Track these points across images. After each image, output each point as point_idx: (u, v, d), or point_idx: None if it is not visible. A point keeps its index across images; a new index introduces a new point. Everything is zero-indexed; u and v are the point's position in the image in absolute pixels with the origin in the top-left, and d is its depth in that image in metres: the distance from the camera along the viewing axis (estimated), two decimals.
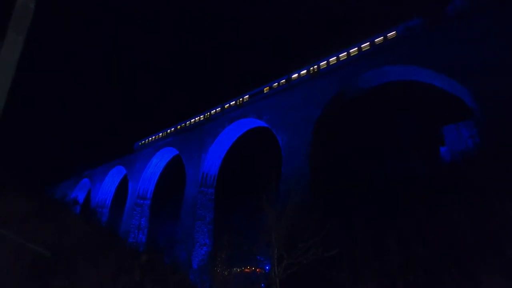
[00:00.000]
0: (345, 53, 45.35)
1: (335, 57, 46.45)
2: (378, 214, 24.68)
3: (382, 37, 42.11)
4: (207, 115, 63.83)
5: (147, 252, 31.87)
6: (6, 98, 3.05)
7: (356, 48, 44.30)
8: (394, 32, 41.01)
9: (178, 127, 69.38)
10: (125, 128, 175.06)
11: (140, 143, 78.47)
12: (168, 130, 71.54)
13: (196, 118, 66.08)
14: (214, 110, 62.82)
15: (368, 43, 43.27)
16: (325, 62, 47.50)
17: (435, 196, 21.25)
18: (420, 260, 18.84)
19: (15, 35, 3.21)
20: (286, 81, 51.90)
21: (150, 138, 75.32)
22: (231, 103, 59.70)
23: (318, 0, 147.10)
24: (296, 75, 50.72)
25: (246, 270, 46.94)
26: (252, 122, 56.96)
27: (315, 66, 48.57)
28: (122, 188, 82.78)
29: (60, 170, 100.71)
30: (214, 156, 60.59)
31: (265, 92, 54.44)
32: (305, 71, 49.73)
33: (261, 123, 54.80)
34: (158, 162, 73.37)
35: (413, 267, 18.77)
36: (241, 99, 58.38)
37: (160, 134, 73.01)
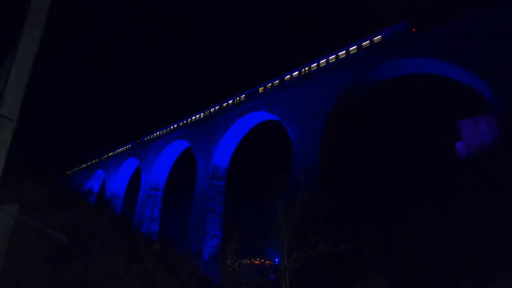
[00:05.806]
0: (359, 45, 44.33)
1: (348, 49, 45.48)
2: (388, 209, 24.39)
3: (396, 29, 40.88)
4: (218, 108, 64.06)
5: (159, 241, 32.63)
6: (24, 92, 3.17)
7: (370, 40, 43.21)
8: (409, 23, 39.70)
9: (190, 120, 69.99)
10: (139, 121, 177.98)
11: (152, 136, 79.72)
12: (181, 123, 72.29)
13: (208, 112, 66.44)
14: (225, 103, 62.95)
15: (382, 35, 42.12)
16: (337, 54, 46.60)
17: (447, 191, 20.79)
18: (431, 257, 18.58)
19: (32, 29, 3.29)
20: (297, 74, 51.32)
21: (163, 131, 76.34)
22: (242, 96, 59.64)
23: None
24: (307, 68, 50.05)
25: (256, 262, 47.56)
26: (262, 115, 56.79)
27: (327, 59, 47.74)
28: (135, 179, 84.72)
29: (76, 161, 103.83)
30: (224, 149, 60.95)
31: (276, 85, 54.05)
32: (316, 64, 48.98)
33: (271, 116, 54.57)
34: (170, 154, 74.46)
35: (423, 263, 18.55)
36: (251, 92, 58.22)
37: (172, 126, 73.86)
